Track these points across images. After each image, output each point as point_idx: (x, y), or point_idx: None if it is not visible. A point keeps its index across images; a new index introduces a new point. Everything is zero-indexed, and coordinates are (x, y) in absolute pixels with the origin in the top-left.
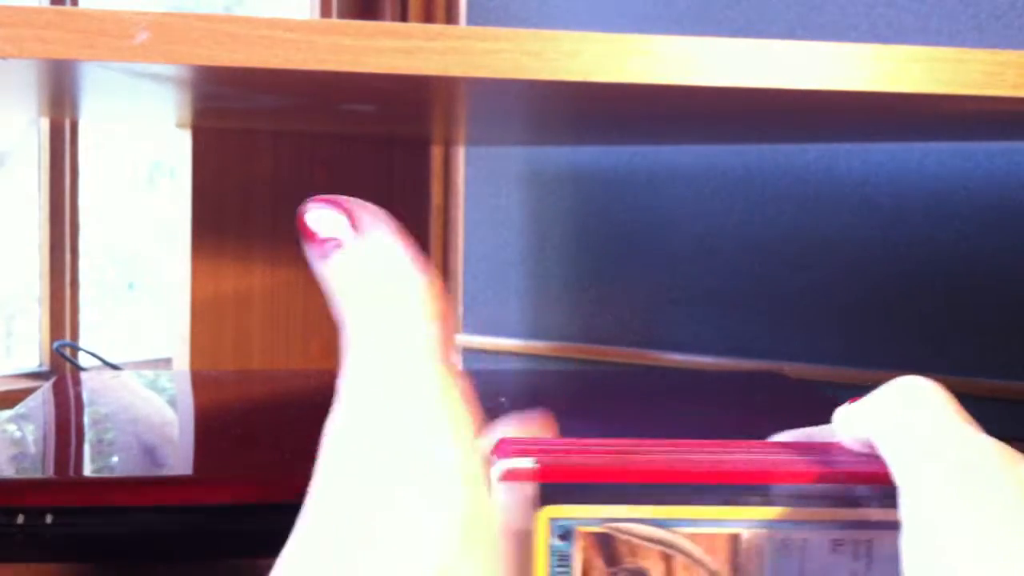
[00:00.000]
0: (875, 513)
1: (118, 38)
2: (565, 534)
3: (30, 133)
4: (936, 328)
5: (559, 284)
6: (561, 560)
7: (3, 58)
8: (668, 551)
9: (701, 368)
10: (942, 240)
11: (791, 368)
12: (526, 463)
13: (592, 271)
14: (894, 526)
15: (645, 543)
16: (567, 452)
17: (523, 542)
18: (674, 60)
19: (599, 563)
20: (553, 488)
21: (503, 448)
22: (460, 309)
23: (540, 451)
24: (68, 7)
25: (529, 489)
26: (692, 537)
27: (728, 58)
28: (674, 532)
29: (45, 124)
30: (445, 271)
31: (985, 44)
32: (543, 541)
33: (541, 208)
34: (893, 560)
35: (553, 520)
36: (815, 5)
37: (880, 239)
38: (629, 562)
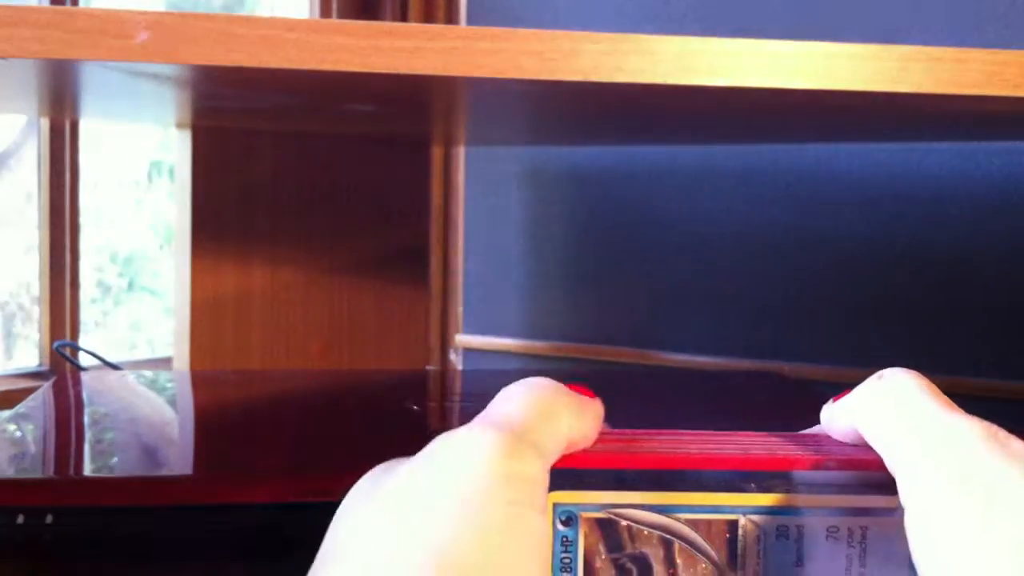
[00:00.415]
0: (869, 500)
1: (118, 38)
2: (569, 519)
3: (30, 133)
4: (936, 328)
5: (559, 284)
6: (565, 545)
7: (3, 58)
8: (668, 537)
9: (701, 368)
10: (942, 240)
11: (791, 368)
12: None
13: (592, 271)
14: (888, 512)
15: (646, 529)
16: None
17: None
18: (674, 60)
19: (601, 548)
20: (557, 474)
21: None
22: (460, 309)
23: None
24: (68, 7)
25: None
26: (691, 523)
27: (728, 58)
28: (674, 518)
29: (45, 124)
30: (445, 271)
31: (985, 44)
32: (548, 526)
33: (541, 208)
34: (888, 546)
35: (557, 506)
36: (815, 5)
37: (880, 239)
38: (630, 547)
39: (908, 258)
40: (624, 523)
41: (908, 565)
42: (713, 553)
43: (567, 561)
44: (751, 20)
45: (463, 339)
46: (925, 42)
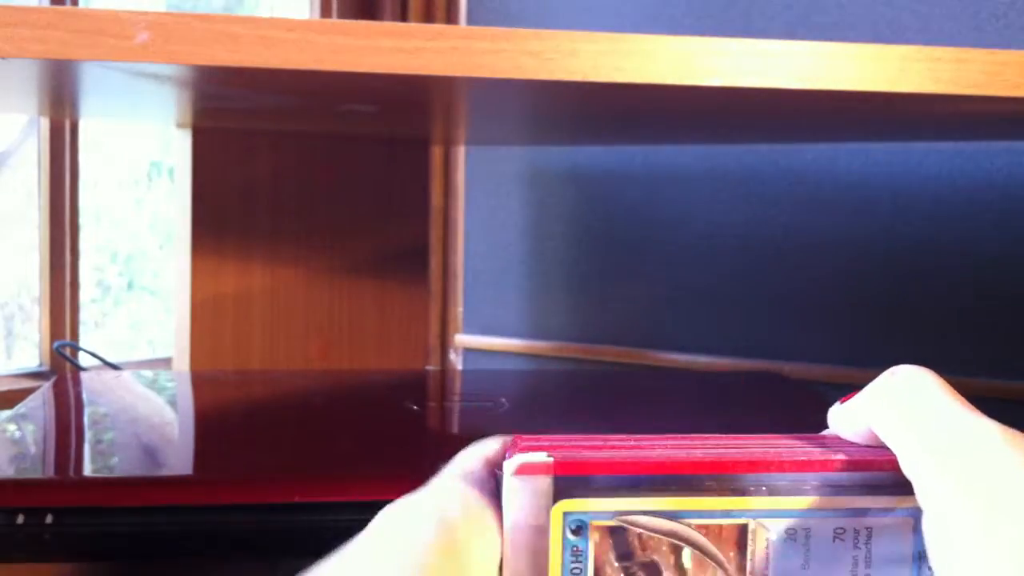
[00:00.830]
0: (875, 501)
1: (118, 38)
2: (579, 528)
3: (30, 133)
4: (936, 328)
5: (559, 284)
6: (575, 555)
7: (3, 58)
8: (678, 543)
9: (701, 368)
10: (942, 240)
11: (791, 368)
12: (540, 457)
13: (592, 271)
14: (892, 512)
15: (656, 536)
16: (579, 447)
17: (537, 537)
18: (673, 60)
19: (612, 556)
20: (567, 481)
21: (517, 444)
22: (460, 309)
23: (553, 446)
24: (68, 7)
25: (543, 483)
26: (701, 528)
27: (727, 58)
28: (684, 524)
29: (45, 124)
30: (445, 271)
31: (985, 44)
32: (558, 536)
33: (541, 208)
34: (891, 546)
35: (567, 514)
36: (815, 5)
37: (880, 239)
38: (641, 555)
39: (908, 258)
40: (634, 530)
41: (911, 565)
42: (723, 558)
43: (577, 571)
44: (751, 20)
45: (463, 339)
46: (925, 42)
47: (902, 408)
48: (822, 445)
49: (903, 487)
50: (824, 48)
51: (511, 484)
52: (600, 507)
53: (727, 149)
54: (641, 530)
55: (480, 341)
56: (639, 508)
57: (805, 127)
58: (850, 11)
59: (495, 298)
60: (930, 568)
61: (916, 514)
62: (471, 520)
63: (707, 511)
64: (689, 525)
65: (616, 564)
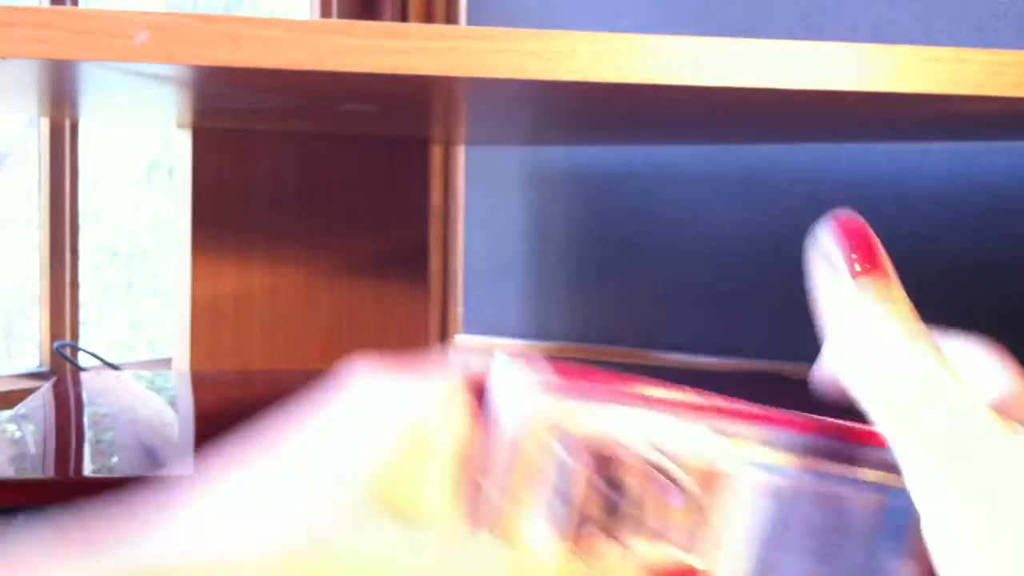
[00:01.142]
0: (854, 471)
1: (118, 38)
2: (567, 446)
3: (30, 133)
4: (935, 328)
5: (559, 284)
6: (562, 472)
7: (3, 58)
8: (664, 479)
9: (701, 368)
10: (942, 240)
11: (791, 368)
12: (535, 374)
13: (592, 271)
14: (870, 489)
15: (644, 467)
16: (579, 372)
17: (525, 452)
18: (672, 60)
19: (598, 479)
20: (561, 400)
21: (516, 361)
22: (460, 309)
23: (550, 367)
24: (68, 7)
25: (536, 400)
26: (686, 467)
27: (727, 58)
28: (672, 459)
29: (45, 124)
30: (445, 271)
31: (985, 44)
32: (546, 452)
33: (541, 208)
34: (863, 521)
35: (559, 434)
36: (815, 5)
37: (880, 238)
38: (627, 483)
39: (908, 258)
40: (623, 457)
41: (875, 540)
42: (705, 501)
43: (563, 488)
44: (751, 20)
45: (463, 339)
46: (925, 42)
47: (900, 403)
48: (811, 417)
49: (885, 465)
50: (824, 48)
51: (504, 398)
52: (592, 430)
53: (727, 149)
54: (631, 458)
55: (480, 341)
56: (631, 437)
57: (805, 127)
58: (850, 11)
59: (495, 298)
60: (891, 548)
61: (887, 491)
62: (450, 419)
63: (696, 453)
64: (676, 462)
65: (602, 487)
